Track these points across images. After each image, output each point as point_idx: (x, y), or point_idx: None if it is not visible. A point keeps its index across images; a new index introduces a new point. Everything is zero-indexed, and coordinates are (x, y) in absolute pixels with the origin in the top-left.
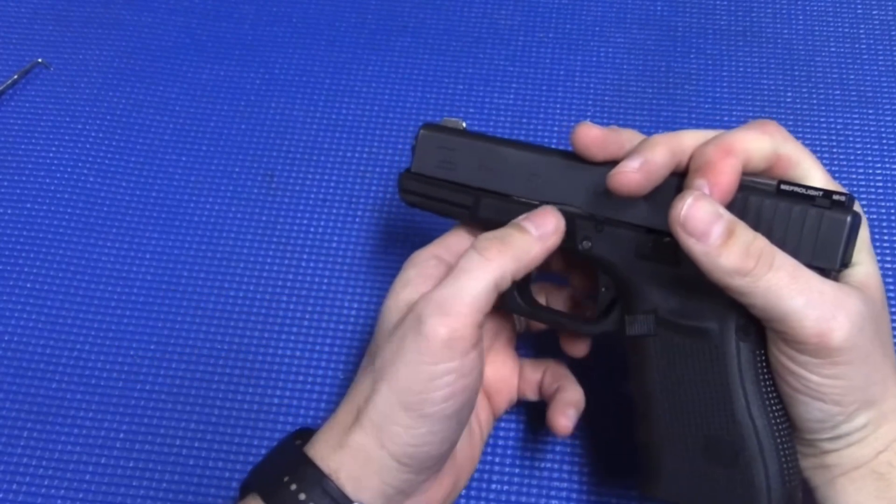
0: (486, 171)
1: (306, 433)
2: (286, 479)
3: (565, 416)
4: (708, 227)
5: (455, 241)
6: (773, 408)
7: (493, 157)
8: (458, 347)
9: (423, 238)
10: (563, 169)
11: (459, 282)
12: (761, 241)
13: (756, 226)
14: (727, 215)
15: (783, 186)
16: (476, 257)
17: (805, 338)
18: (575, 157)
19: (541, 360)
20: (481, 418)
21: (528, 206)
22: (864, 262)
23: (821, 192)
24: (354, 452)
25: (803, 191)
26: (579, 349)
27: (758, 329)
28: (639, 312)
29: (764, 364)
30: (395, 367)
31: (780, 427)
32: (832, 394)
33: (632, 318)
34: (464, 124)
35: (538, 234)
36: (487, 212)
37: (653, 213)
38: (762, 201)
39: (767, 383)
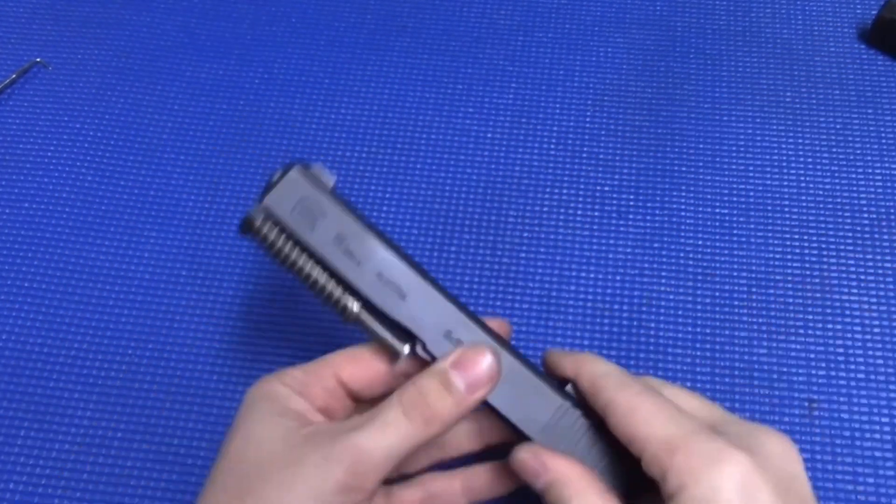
0: (348, 255)
1: None
2: None
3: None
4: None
5: (355, 365)
6: None
7: (361, 245)
8: (357, 499)
9: (420, 238)
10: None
11: (379, 437)
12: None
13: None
14: (551, 472)
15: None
16: (402, 418)
17: None
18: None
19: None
20: None
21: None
22: None
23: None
24: None
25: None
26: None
27: None
28: None
29: None
30: (283, 488)
31: None
32: None
33: None
34: (333, 181)
35: (465, 388)
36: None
37: None
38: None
39: None
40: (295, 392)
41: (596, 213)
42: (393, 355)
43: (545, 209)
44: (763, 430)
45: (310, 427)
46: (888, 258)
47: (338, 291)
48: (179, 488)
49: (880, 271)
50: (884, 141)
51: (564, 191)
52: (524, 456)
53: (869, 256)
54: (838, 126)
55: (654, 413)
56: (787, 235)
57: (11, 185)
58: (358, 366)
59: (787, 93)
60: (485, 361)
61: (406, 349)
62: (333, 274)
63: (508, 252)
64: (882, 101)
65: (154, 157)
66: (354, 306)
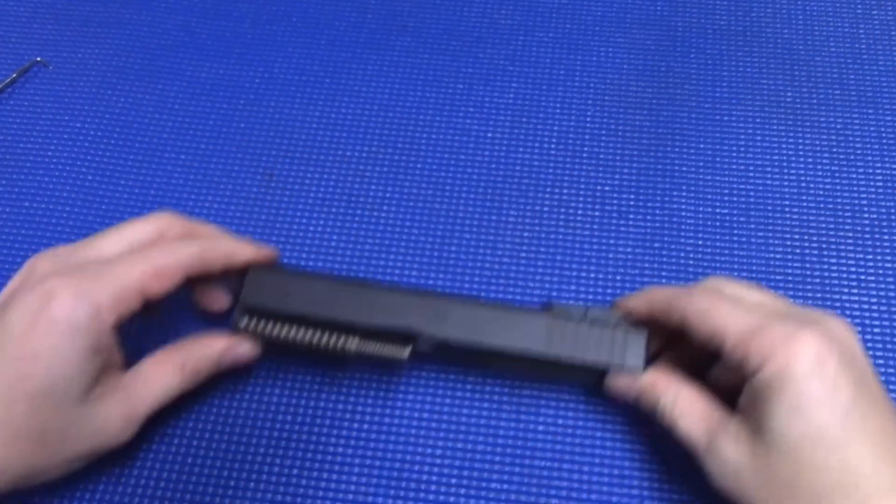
0: (332, 303)
1: None
2: None
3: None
4: (625, 396)
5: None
6: None
7: (337, 291)
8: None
9: (421, 238)
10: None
11: (156, 399)
12: (663, 399)
13: (573, 344)
14: (637, 384)
15: (590, 313)
16: (179, 385)
17: None
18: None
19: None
20: None
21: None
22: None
23: (619, 317)
24: None
25: (606, 316)
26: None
27: None
28: None
29: None
30: (82, 446)
31: None
32: None
33: None
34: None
35: (229, 367)
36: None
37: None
38: (577, 326)
39: None
40: (107, 325)
41: (596, 213)
42: (397, 362)
43: (545, 209)
44: (825, 314)
45: (114, 385)
46: (888, 259)
47: (334, 339)
48: (178, 487)
49: (880, 272)
50: (884, 141)
51: (565, 191)
52: (612, 382)
53: (869, 257)
54: (839, 126)
55: (729, 310)
56: (788, 236)
57: (11, 184)
58: (161, 283)
59: (788, 93)
60: (245, 348)
61: (407, 352)
62: (326, 326)
63: (509, 252)
64: (882, 101)
65: (154, 156)
66: (353, 343)
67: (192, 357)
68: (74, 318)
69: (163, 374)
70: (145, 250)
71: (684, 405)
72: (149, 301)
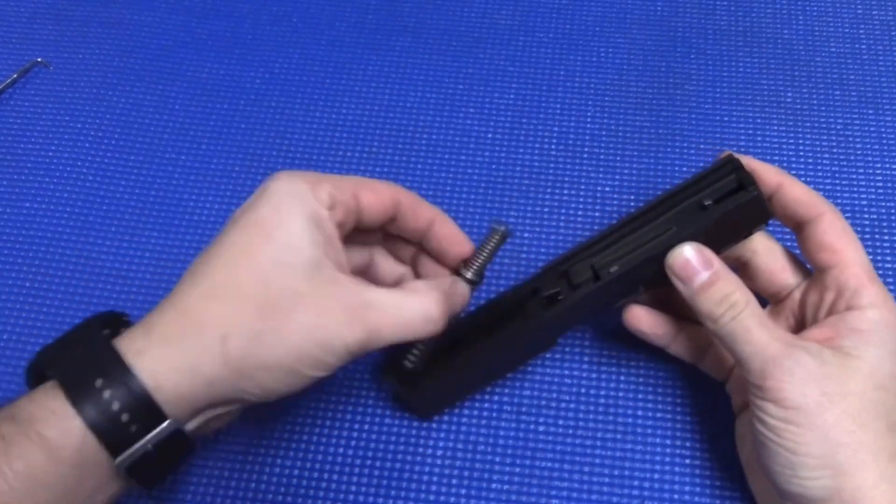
0: None
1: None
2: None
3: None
4: (691, 274)
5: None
6: None
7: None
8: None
9: None
10: None
11: (407, 320)
12: (739, 294)
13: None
14: (717, 266)
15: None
16: (440, 318)
17: (752, 381)
18: None
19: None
20: None
21: None
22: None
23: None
24: (205, 383)
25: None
26: None
27: None
28: None
29: None
30: (308, 327)
31: None
32: (788, 440)
33: None
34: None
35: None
36: None
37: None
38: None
39: None
40: (325, 205)
41: (597, 214)
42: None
43: (546, 210)
44: None
45: (343, 276)
46: (889, 259)
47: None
48: (180, 487)
49: (881, 272)
50: (884, 142)
51: (565, 191)
52: (688, 250)
53: (870, 257)
54: (839, 127)
55: (856, 247)
56: (789, 236)
57: (12, 184)
58: (373, 195)
59: (788, 93)
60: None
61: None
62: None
63: (509, 253)
64: (882, 101)
65: (155, 157)
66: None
67: (446, 289)
68: (293, 188)
69: (415, 296)
70: None
71: (757, 309)
72: (361, 218)
